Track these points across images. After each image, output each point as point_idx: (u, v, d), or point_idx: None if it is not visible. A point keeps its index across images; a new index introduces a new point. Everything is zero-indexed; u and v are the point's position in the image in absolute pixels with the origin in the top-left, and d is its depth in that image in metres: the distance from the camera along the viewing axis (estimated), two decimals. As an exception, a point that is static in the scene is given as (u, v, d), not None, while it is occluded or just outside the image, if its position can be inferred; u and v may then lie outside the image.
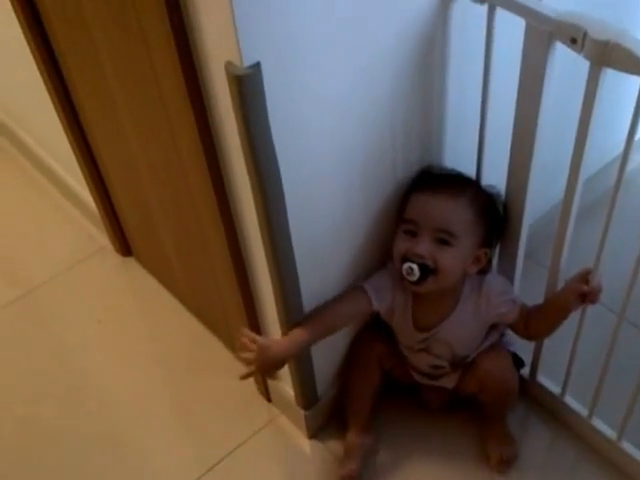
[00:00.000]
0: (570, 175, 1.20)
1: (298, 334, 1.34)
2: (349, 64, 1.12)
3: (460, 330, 1.42)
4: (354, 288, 1.40)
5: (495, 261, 1.46)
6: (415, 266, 1.29)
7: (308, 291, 1.34)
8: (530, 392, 1.60)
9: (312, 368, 1.50)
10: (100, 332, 1.89)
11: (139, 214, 1.82)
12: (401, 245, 1.32)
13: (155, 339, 1.88)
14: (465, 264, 1.33)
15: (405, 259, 1.31)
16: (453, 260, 1.30)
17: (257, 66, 0.97)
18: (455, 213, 1.30)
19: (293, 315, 1.35)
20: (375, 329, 1.53)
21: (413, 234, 1.31)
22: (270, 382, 1.64)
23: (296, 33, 1.01)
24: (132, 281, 2.02)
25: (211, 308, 1.76)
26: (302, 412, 1.57)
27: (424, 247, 1.29)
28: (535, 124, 1.20)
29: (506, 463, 1.50)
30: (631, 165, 1.13)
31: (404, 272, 1.30)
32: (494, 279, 1.42)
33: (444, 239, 1.29)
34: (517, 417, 1.55)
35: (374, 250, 1.43)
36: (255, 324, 1.52)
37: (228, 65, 0.98)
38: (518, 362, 1.54)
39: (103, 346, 1.87)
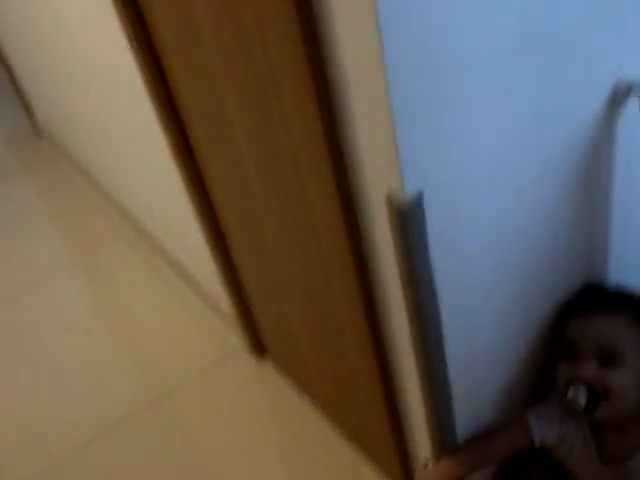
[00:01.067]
0: None
1: (449, 466, 1.27)
2: (511, 185, 1.08)
3: None
4: (514, 417, 1.31)
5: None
6: (582, 388, 1.18)
7: (462, 416, 1.28)
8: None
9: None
10: (232, 441, 1.84)
11: (275, 313, 1.81)
12: (563, 371, 1.22)
13: (291, 452, 1.80)
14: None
15: (568, 386, 1.20)
16: (624, 380, 1.18)
17: (420, 197, 0.95)
18: (616, 328, 1.20)
19: (446, 442, 1.29)
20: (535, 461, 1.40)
21: (575, 358, 1.20)
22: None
23: (462, 160, 0.98)
24: (267, 386, 1.96)
25: (352, 421, 1.71)
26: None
27: (589, 370, 1.18)
28: None
29: None
30: None
31: (569, 399, 1.20)
32: None
33: (610, 359, 1.18)
34: None
35: (532, 375, 1.35)
36: (402, 446, 1.46)
37: (390, 198, 0.96)
38: None
39: (236, 462, 1.79)
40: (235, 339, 2.09)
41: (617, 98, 1.12)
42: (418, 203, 0.95)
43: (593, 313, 1.22)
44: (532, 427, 1.28)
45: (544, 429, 1.28)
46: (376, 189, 1.01)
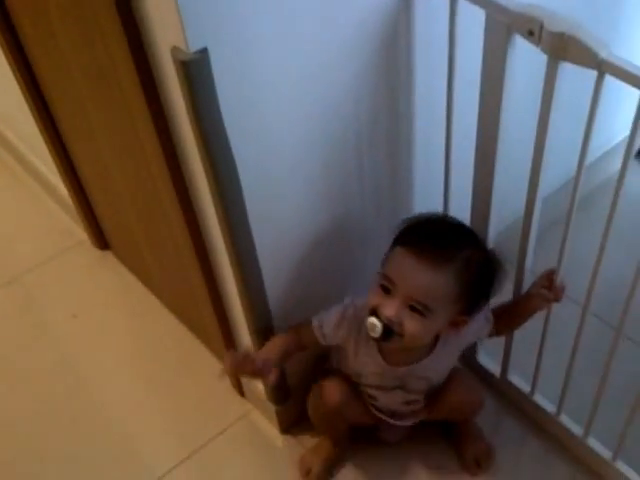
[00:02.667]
0: (530, 182, 1.20)
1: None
2: (303, 56, 1.10)
3: (439, 364, 1.36)
4: (304, 322, 1.35)
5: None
6: (379, 325, 1.19)
7: (274, 296, 1.35)
8: (500, 389, 1.59)
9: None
10: (77, 326, 1.90)
11: (113, 209, 1.82)
12: (373, 298, 1.21)
13: (131, 334, 1.88)
14: (438, 330, 1.26)
15: (372, 313, 1.21)
16: (422, 329, 1.20)
17: (204, 52, 0.96)
18: (435, 286, 1.17)
19: (260, 321, 1.36)
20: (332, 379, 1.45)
21: (387, 291, 1.19)
22: (243, 378, 1.63)
23: (247, 21, 0.99)
24: (110, 276, 2.02)
25: (185, 307, 1.76)
26: (274, 407, 1.57)
27: (393, 310, 1.18)
28: (498, 122, 1.18)
29: (485, 462, 1.51)
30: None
31: (367, 325, 1.21)
32: None
33: (417, 309, 1.18)
34: (487, 414, 1.54)
35: (343, 254, 1.42)
36: (226, 328, 1.53)
37: (174, 51, 0.97)
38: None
39: (80, 340, 1.87)
40: (80, 232, 2.10)
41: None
42: (202, 57, 0.96)
43: (420, 257, 1.17)
44: (317, 333, 1.33)
45: (329, 335, 1.33)
46: (164, 46, 1.01)
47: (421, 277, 1.17)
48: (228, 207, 1.16)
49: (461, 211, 1.36)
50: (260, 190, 1.19)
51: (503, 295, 1.33)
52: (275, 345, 1.35)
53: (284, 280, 1.37)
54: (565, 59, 1.01)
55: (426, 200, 1.48)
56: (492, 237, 1.38)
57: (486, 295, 1.26)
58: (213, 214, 1.21)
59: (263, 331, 1.39)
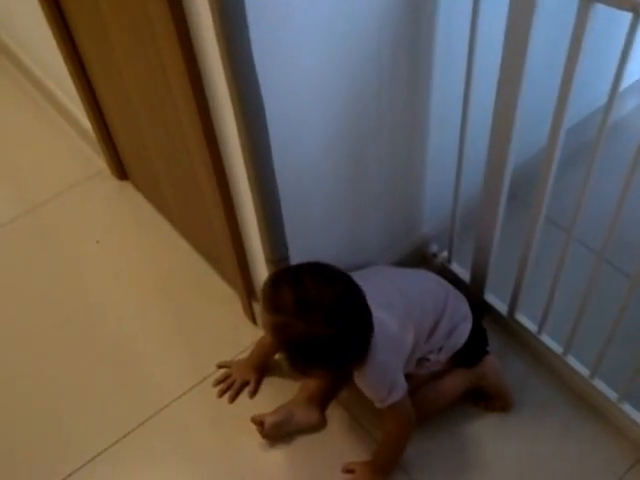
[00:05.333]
0: (555, 116, 1.19)
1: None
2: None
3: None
4: None
5: (480, 200, 1.46)
6: None
7: (291, 226, 1.38)
8: (508, 328, 1.63)
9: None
10: (99, 251, 1.95)
11: (133, 139, 1.84)
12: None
13: (150, 261, 1.93)
14: None
15: None
16: None
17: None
18: None
19: (276, 251, 1.39)
20: None
21: None
22: (256, 306, 1.67)
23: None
24: (129, 205, 2.06)
25: (202, 236, 1.79)
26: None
27: None
28: (523, 61, 1.17)
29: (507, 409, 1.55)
30: (620, 112, 1.11)
31: None
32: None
33: None
34: (493, 352, 1.57)
35: (359, 195, 1.44)
36: (242, 257, 1.56)
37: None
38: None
39: (101, 265, 1.93)
40: (100, 162, 2.14)
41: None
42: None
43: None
44: None
45: None
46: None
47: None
48: (251, 130, 1.16)
49: (480, 138, 1.36)
50: (283, 114, 1.19)
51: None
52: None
53: (302, 212, 1.39)
54: (599, 0, 1.00)
55: (443, 137, 1.50)
56: (509, 170, 1.38)
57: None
58: (235, 137, 1.21)
59: (278, 262, 1.41)
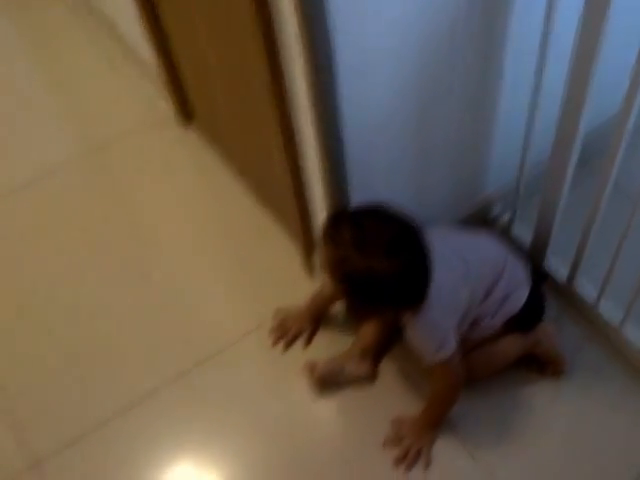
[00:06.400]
0: (631, 82, 1.16)
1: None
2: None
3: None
4: None
5: (549, 166, 1.44)
6: None
7: (355, 181, 1.39)
8: (566, 295, 1.62)
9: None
10: (158, 193, 1.99)
11: (200, 81, 1.85)
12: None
13: (212, 208, 1.96)
14: None
15: None
16: None
17: None
18: None
19: (339, 198, 1.40)
20: None
21: None
22: (315, 259, 1.70)
23: None
24: (191, 152, 2.08)
25: (265, 186, 1.81)
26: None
27: None
28: (602, 23, 1.14)
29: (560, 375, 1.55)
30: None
31: None
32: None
33: None
34: (550, 317, 1.57)
35: (424, 149, 1.43)
36: (304, 208, 1.57)
37: None
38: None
39: (161, 207, 1.97)
40: (165, 107, 2.15)
41: None
42: None
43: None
44: None
45: None
46: None
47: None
48: (319, 73, 1.15)
49: (551, 105, 1.34)
50: (354, 63, 1.18)
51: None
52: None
53: (365, 163, 1.39)
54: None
55: (514, 101, 1.48)
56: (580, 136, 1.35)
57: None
58: (302, 80, 1.21)
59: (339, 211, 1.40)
